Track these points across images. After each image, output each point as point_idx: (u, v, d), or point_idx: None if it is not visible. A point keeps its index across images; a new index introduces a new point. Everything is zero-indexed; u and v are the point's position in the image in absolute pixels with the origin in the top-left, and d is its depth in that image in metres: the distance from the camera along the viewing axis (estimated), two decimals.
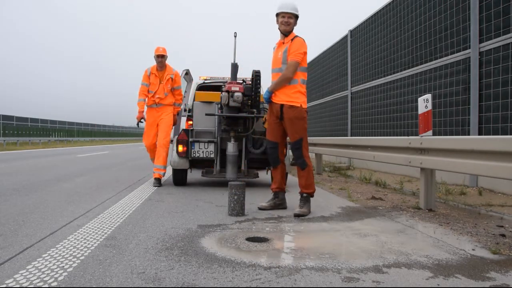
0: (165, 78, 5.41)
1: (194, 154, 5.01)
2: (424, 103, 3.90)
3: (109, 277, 1.83)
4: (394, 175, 7.00)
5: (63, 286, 1.71)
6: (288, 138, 3.78)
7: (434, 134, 4.19)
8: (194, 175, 6.43)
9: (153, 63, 5.48)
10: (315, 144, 7.69)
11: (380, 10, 8.11)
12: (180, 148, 5.04)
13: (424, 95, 4.05)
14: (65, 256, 2.12)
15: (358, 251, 2.33)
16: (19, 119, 34.68)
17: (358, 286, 1.78)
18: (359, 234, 2.76)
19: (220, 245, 2.40)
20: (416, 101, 4.40)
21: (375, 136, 8.02)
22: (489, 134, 4.88)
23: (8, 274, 1.84)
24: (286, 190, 3.86)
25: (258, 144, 4.97)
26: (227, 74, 6.17)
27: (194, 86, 6.83)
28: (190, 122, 6.00)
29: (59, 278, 1.79)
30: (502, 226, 3.07)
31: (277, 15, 3.64)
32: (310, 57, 3.73)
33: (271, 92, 3.64)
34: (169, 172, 5.95)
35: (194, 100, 5.54)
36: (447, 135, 5.68)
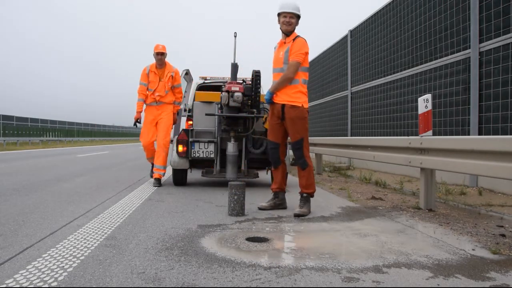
0: (165, 76, 5.36)
1: (194, 154, 5.01)
2: (424, 103, 3.90)
3: (109, 277, 1.83)
4: (394, 175, 7.00)
5: (63, 286, 1.71)
6: (288, 138, 3.77)
7: (434, 134, 4.19)
8: (194, 175, 6.43)
9: (152, 61, 5.44)
10: (315, 144, 7.69)
11: (380, 10, 8.11)
12: (180, 148, 5.03)
13: (424, 95, 4.05)
14: (65, 256, 2.12)
15: (358, 251, 2.33)
16: (19, 119, 34.69)
17: (358, 286, 1.78)
18: (359, 234, 2.76)
19: (220, 245, 2.40)
20: (416, 101, 4.40)
21: (375, 136, 8.02)
22: (489, 134, 4.88)
23: (8, 274, 1.84)
24: (286, 190, 3.86)
25: (258, 144, 4.97)
26: (227, 74, 6.17)
27: (194, 86, 6.83)
28: (190, 122, 6.00)
29: (59, 278, 1.79)
30: (502, 226, 3.07)
31: (279, 15, 3.64)
32: (310, 57, 3.75)
33: (272, 93, 3.64)
34: (169, 172, 5.95)
35: (194, 100, 5.53)
36: (447, 135, 5.68)
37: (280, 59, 3.61)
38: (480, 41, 5.11)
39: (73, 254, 2.16)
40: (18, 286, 1.70)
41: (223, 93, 4.46)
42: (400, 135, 6.92)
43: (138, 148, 21.22)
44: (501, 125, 4.74)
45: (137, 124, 5.50)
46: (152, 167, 5.57)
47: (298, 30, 3.70)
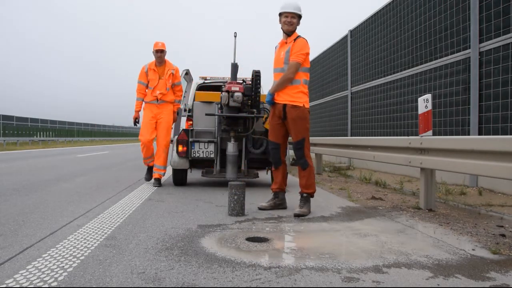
0: (166, 73, 5.30)
1: (194, 154, 5.01)
2: (424, 103, 3.90)
3: (109, 277, 1.83)
4: (394, 175, 7.00)
5: (63, 286, 1.71)
6: (289, 138, 3.78)
7: (434, 134, 4.19)
8: (194, 175, 6.43)
9: (151, 60, 5.38)
10: (315, 144, 7.69)
11: (380, 10, 8.11)
12: (180, 148, 5.03)
13: (424, 95, 4.05)
14: (65, 256, 2.12)
15: (358, 251, 2.33)
16: (19, 119, 34.69)
17: (358, 286, 1.78)
18: (359, 234, 2.76)
19: (220, 245, 2.40)
20: (416, 101, 4.40)
21: (375, 136, 8.02)
22: (489, 134, 4.88)
23: (8, 274, 1.84)
24: (286, 190, 3.86)
25: (258, 144, 4.97)
26: (227, 74, 6.17)
27: (194, 86, 6.84)
28: (190, 122, 6.00)
29: (59, 278, 1.79)
30: (502, 226, 3.07)
31: (280, 14, 3.63)
32: (310, 57, 3.76)
33: (272, 94, 3.65)
34: (169, 172, 5.95)
35: (194, 100, 5.53)
36: (447, 135, 5.68)
37: (281, 59, 3.61)
38: (480, 41, 5.11)
39: (73, 254, 2.16)
40: (18, 286, 1.70)
41: (223, 93, 4.46)
42: (400, 135, 6.92)
43: (138, 148, 21.22)
44: (501, 125, 4.74)
45: (137, 123, 5.47)
46: (148, 170, 5.49)
47: (298, 30, 3.70)
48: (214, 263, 2.05)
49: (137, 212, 3.40)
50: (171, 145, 5.46)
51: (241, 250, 2.30)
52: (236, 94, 4.38)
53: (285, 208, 3.73)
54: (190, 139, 5.02)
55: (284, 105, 3.58)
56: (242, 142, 4.90)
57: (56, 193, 4.45)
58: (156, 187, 5.07)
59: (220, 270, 1.95)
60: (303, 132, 3.57)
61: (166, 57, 5.38)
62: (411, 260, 2.17)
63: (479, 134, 5.07)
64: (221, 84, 5.72)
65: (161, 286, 1.73)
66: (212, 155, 5.01)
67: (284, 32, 3.66)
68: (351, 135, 9.37)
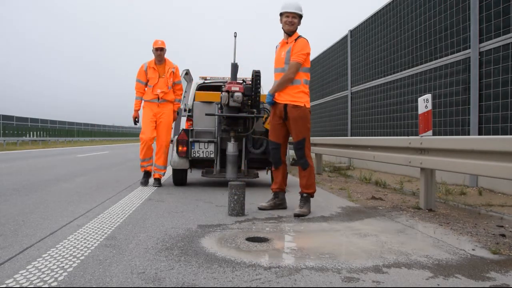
0: (167, 72, 5.25)
1: (194, 154, 5.01)
2: (424, 103, 3.90)
3: (109, 277, 1.83)
4: (394, 175, 7.00)
5: (63, 286, 1.71)
6: (290, 138, 3.78)
7: (434, 134, 4.19)
8: (194, 175, 6.43)
9: (150, 59, 5.31)
10: (315, 144, 7.69)
11: (380, 10, 8.11)
12: (180, 148, 5.03)
13: (424, 95, 4.05)
14: (65, 256, 2.12)
15: (358, 251, 2.33)
16: (19, 119, 34.69)
17: (358, 286, 1.78)
18: (359, 234, 2.76)
19: (220, 245, 2.40)
20: (416, 101, 4.40)
21: (375, 136, 8.02)
22: (489, 134, 4.88)
23: (8, 274, 1.84)
24: (286, 190, 3.86)
25: (258, 144, 4.97)
26: (227, 74, 6.17)
27: (194, 86, 6.84)
28: (190, 122, 6.00)
29: (59, 278, 1.79)
30: (502, 226, 3.07)
31: (281, 14, 3.63)
32: (310, 57, 3.75)
33: (273, 95, 3.64)
34: (169, 172, 5.94)
35: (194, 100, 5.53)
36: (447, 135, 5.68)
37: (282, 59, 3.62)
38: (480, 41, 5.11)
39: (73, 254, 2.16)
40: (18, 286, 1.70)
41: (223, 93, 4.46)
42: (400, 135, 6.93)
43: (138, 148, 21.24)
44: (501, 125, 4.74)
45: (137, 122, 5.43)
46: (145, 174, 5.31)
47: (299, 30, 3.70)
48: (214, 263, 2.05)
49: (137, 212, 3.40)
50: (171, 145, 5.45)
51: (241, 250, 2.30)
52: (236, 94, 4.38)
53: (285, 208, 3.73)
54: (190, 139, 5.02)
55: (285, 105, 3.58)
56: (242, 142, 4.90)
57: (56, 193, 4.45)
58: (156, 187, 5.07)
59: (220, 270, 1.95)
60: (304, 132, 3.57)
61: (166, 56, 5.33)
62: (411, 260, 2.17)
63: (479, 134, 5.07)
64: (221, 84, 5.72)
65: (161, 286, 1.73)
66: (212, 155, 5.01)
67: (285, 32, 3.66)
68: (351, 135, 9.37)
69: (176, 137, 5.15)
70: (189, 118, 6.23)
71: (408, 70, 6.86)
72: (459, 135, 5.44)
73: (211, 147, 5.01)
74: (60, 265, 1.96)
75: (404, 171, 6.84)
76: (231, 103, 4.43)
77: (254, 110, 4.62)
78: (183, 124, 6.25)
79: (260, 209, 3.65)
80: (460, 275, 1.94)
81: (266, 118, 4.95)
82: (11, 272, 1.86)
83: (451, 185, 5.35)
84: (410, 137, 4.12)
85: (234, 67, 4.61)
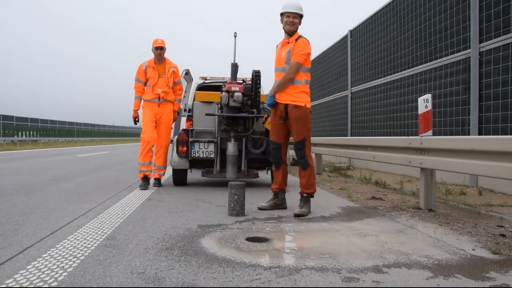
0: (167, 71, 5.19)
1: (194, 154, 5.01)
2: (424, 103, 3.90)
3: (109, 277, 1.83)
4: (394, 175, 7.00)
5: (63, 286, 1.71)
6: (291, 138, 3.78)
7: (434, 134, 4.19)
8: (194, 175, 6.43)
9: (149, 58, 5.25)
10: (315, 144, 7.69)
11: (380, 10, 8.11)
12: (180, 148, 5.03)
13: (424, 95, 4.05)
14: (65, 256, 2.12)
15: (358, 251, 2.33)
16: (19, 119, 34.69)
17: (358, 286, 1.78)
18: (359, 234, 2.76)
19: (220, 245, 2.40)
20: (416, 101, 4.40)
21: (375, 136, 8.02)
22: (489, 134, 4.88)
23: (8, 274, 1.84)
24: (286, 190, 3.86)
25: (258, 144, 4.97)
26: (227, 74, 6.17)
27: (194, 86, 6.84)
28: (190, 122, 6.00)
29: (59, 278, 1.79)
30: (502, 226, 3.07)
31: (282, 14, 3.63)
32: (310, 57, 3.74)
33: (273, 96, 3.64)
34: (169, 172, 5.94)
35: (194, 100, 5.52)
36: (447, 135, 5.68)
37: (282, 59, 3.62)
38: (480, 41, 5.11)
39: (73, 254, 2.16)
40: (18, 286, 1.70)
41: (223, 93, 4.46)
42: (400, 135, 6.92)
43: (138, 148, 21.24)
44: (501, 125, 4.74)
45: (137, 122, 5.37)
46: (144, 178, 5.02)
47: (299, 30, 3.70)
48: (214, 263, 2.05)
49: (137, 212, 3.40)
50: (170, 144, 5.44)
51: (241, 250, 2.30)
52: (236, 94, 4.38)
53: (285, 208, 3.73)
54: (190, 139, 5.02)
55: (286, 105, 3.58)
56: (242, 142, 4.90)
57: (56, 193, 4.45)
58: (156, 187, 5.07)
59: (220, 270, 1.95)
60: (305, 132, 3.57)
61: (165, 55, 5.26)
62: (411, 260, 2.17)
63: (479, 134, 5.07)
64: (221, 84, 5.72)
65: (161, 286, 1.73)
66: (212, 155, 5.01)
67: (286, 32, 3.65)
68: (351, 135, 9.37)
69: (176, 137, 5.15)
70: (189, 118, 6.23)
71: (408, 70, 6.86)
72: (459, 135, 5.44)
73: (211, 147, 5.01)
74: (60, 265, 1.96)
75: (404, 171, 6.84)
76: (231, 103, 4.43)
77: (254, 110, 4.62)
78: (183, 124, 6.25)
79: (260, 209, 3.65)
80: (460, 275, 1.94)
81: (266, 118, 4.95)
82: (11, 272, 1.86)
83: (451, 185, 5.35)
84: (410, 137, 4.12)
85: (234, 67, 4.61)
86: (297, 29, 3.65)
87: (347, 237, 2.69)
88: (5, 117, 31.73)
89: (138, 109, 5.27)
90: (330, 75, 11.20)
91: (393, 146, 4.43)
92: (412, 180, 6.24)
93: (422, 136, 3.87)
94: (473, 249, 2.42)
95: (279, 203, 3.72)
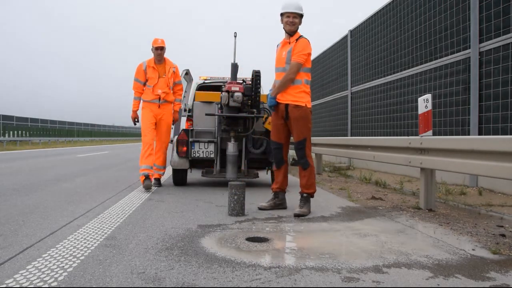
0: (168, 71, 5.13)
1: (194, 154, 5.01)
2: (424, 103, 3.90)
3: (109, 277, 1.83)
4: (394, 175, 7.00)
5: (63, 286, 1.71)
6: (291, 138, 3.78)
7: (434, 134, 4.19)
8: (194, 175, 6.43)
9: (148, 57, 5.19)
10: (315, 144, 7.68)
11: (380, 10, 8.11)
12: (180, 148, 5.03)
13: (424, 95, 4.05)
14: (65, 256, 2.12)
15: (358, 251, 2.33)
16: (19, 119, 34.68)
17: (358, 286, 1.78)
18: (359, 234, 2.76)
19: (220, 245, 2.40)
20: (416, 101, 4.40)
21: (375, 136, 8.02)
22: (489, 134, 4.88)
23: (8, 274, 1.84)
24: (286, 190, 3.86)
25: (258, 144, 4.97)
26: (227, 74, 6.17)
27: (194, 86, 6.84)
28: (190, 122, 6.00)
29: (59, 278, 1.79)
30: (502, 226, 3.07)
31: (282, 15, 3.63)
32: (311, 57, 3.75)
33: (273, 97, 3.64)
34: (169, 172, 5.94)
35: (194, 100, 5.52)
36: (447, 135, 5.68)
37: (283, 59, 3.62)
38: (480, 41, 5.11)
39: (73, 254, 2.16)
40: (18, 286, 1.70)
41: (223, 93, 4.46)
42: (400, 135, 6.92)
43: (138, 148, 21.22)
44: (501, 125, 4.74)
45: (136, 122, 5.33)
46: (146, 177, 4.77)
47: (299, 30, 3.69)
48: (214, 263, 2.05)
49: (137, 212, 3.40)
50: (170, 145, 5.44)
51: (241, 250, 2.30)
52: (236, 94, 4.38)
53: (285, 208, 3.73)
54: (190, 139, 5.02)
55: (287, 105, 3.58)
56: (242, 142, 4.90)
57: (56, 193, 4.45)
58: (156, 187, 5.07)
59: (220, 270, 1.95)
60: (305, 132, 3.57)
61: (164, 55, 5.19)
62: (411, 260, 2.17)
63: (479, 134, 5.07)
64: (221, 84, 5.72)
65: (161, 286, 1.73)
66: (212, 155, 5.01)
67: (286, 32, 3.65)
68: (351, 135, 9.37)
69: (176, 137, 5.15)
70: (189, 118, 6.23)
71: (408, 70, 6.86)
72: (459, 135, 5.44)
73: (211, 147, 5.01)
74: (60, 265, 1.96)
75: (404, 171, 6.84)
76: (231, 103, 4.43)
77: (254, 110, 4.62)
78: (183, 124, 6.25)
79: (260, 209, 3.65)
80: (460, 275, 1.94)
81: (266, 118, 4.95)
82: (11, 272, 1.86)
83: (451, 185, 5.35)
84: (410, 137, 4.12)
85: (234, 67, 4.61)
86: (298, 29, 3.65)
87: (347, 237, 2.69)
88: (5, 117, 31.72)
89: (137, 109, 5.20)
90: (330, 75, 11.20)
91: (393, 146, 4.43)
92: (412, 180, 6.24)
93: (422, 136, 3.87)
94: (473, 249, 2.42)
95: (279, 203, 3.72)
